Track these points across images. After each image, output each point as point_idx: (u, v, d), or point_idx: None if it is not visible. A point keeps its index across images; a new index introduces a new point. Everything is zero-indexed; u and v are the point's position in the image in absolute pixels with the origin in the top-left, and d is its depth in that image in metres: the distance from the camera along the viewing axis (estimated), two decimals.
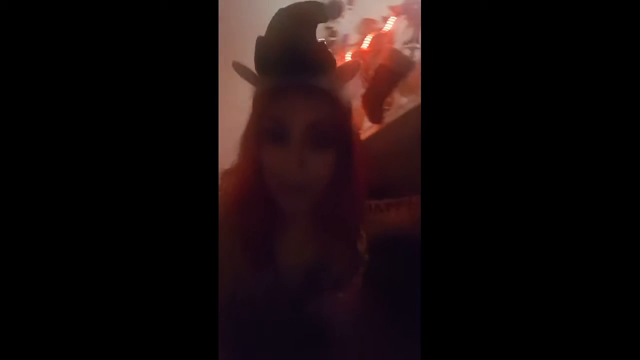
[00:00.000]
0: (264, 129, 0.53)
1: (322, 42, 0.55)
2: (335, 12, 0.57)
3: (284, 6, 0.55)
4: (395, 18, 0.99)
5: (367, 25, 1.07)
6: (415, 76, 1.04)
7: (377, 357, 0.68)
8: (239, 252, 0.57)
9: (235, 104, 0.57)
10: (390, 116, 0.99)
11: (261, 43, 0.54)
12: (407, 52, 1.00)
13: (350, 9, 1.07)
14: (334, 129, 0.53)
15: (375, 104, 1.01)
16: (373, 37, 1.03)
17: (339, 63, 0.55)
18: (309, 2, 0.54)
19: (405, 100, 1.01)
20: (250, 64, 0.56)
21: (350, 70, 0.57)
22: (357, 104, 1.03)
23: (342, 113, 0.55)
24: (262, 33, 0.55)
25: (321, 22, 0.55)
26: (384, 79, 0.99)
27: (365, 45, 1.04)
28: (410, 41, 1.01)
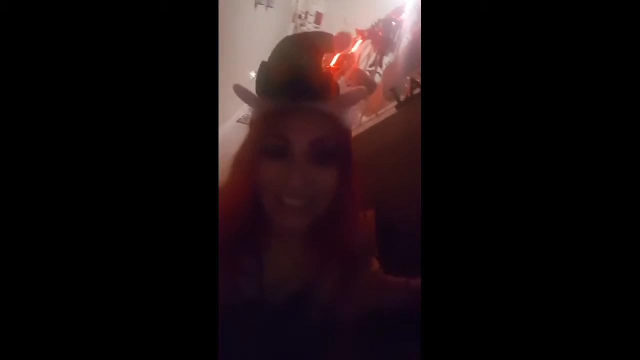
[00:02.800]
0: (265, 145, 0.52)
1: (328, 71, 0.58)
2: (343, 43, 0.73)
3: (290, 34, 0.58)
4: (361, 41, 1.07)
5: (339, 41, 1.07)
6: (375, 97, 1.19)
7: None
8: (228, 261, 0.55)
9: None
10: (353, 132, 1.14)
11: (265, 68, 0.55)
12: (369, 74, 1.12)
13: (317, 27, 1.04)
14: (335, 148, 0.53)
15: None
16: (339, 56, 1.08)
17: (341, 91, 0.57)
18: (317, 32, 0.59)
19: (366, 119, 1.18)
20: (251, 86, 0.58)
21: (353, 97, 0.58)
22: None
23: (342, 134, 0.56)
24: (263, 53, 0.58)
25: (328, 51, 0.60)
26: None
27: (332, 63, 1.08)
28: (373, 64, 1.13)
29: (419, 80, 1.12)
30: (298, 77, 0.53)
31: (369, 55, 1.10)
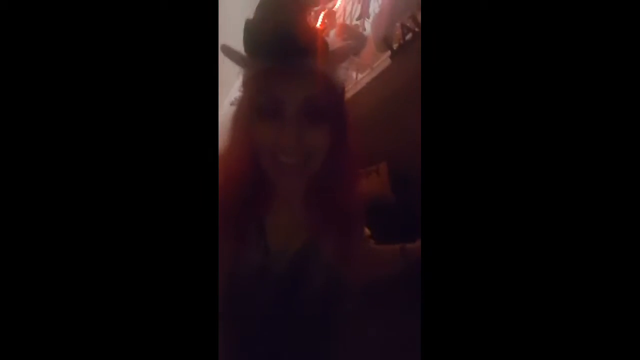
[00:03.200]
0: (258, 106, 0.53)
1: (315, 28, 0.57)
2: None
3: None
4: None
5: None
6: (367, 51, 1.15)
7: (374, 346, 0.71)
8: (231, 231, 0.57)
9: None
10: (348, 93, 1.11)
11: (250, 26, 0.53)
12: (357, 28, 1.08)
13: None
14: (329, 106, 0.53)
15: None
16: (324, 15, 1.04)
17: (330, 47, 0.56)
18: None
19: (361, 76, 1.14)
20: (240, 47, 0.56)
21: (343, 53, 0.58)
22: None
23: (335, 91, 0.56)
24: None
25: (312, 6, 0.60)
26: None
27: (318, 23, 1.04)
28: (359, 17, 1.08)
29: (409, 25, 1.07)
30: (284, 35, 0.51)
31: (353, 9, 1.06)
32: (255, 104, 0.53)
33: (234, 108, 0.58)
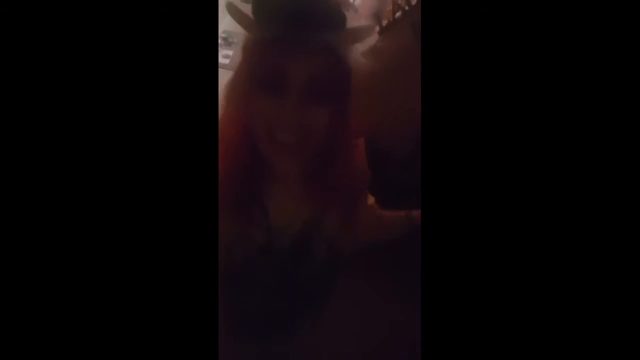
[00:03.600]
0: (259, 76, 0.48)
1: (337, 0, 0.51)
2: None
3: None
4: None
5: None
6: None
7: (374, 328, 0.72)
8: (230, 211, 0.55)
9: None
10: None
11: None
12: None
13: None
14: (334, 86, 0.50)
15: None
16: None
17: (352, 24, 0.51)
18: None
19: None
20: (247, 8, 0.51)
21: (361, 33, 0.53)
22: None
23: (344, 71, 0.51)
24: None
25: None
26: None
27: None
28: None
29: (399, 2, 1.09)
30: (303, 2, 0.47)
31: None
32: (256, 73, 0.49)
33: (230, 73, 0.54)
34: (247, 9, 0.51)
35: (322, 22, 0.48)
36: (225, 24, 1.56)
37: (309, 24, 0.47)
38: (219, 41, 1.73)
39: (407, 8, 1.06)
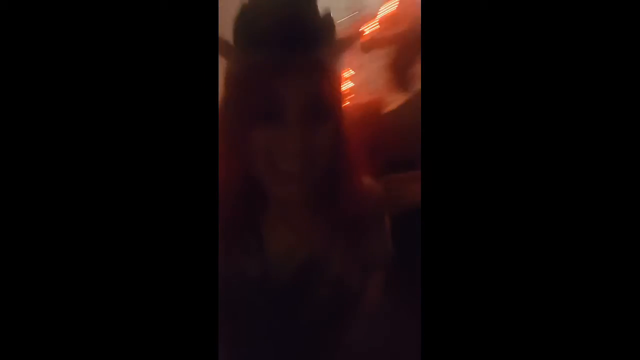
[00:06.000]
0: (251, 107, 0.45)
1: (327, 13, 0.47)
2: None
3: None
4: None
5: None
6: None
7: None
8: (228, 240, 0.51)
9: None
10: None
11: (247, 11, 0.46)
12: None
13: None
14: (332, 102, 0.47)
15: (402, 72, 1.03)
16: (399, 2, 0.96)
17: (341, 34, 0.49)
18: None
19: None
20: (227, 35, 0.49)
21: (349, 39, 0.50)
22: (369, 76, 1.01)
23: (336, 85, 0.49)
24: None
25: None
26: (410, 45, 0.98)
27: (389, 10, 0.97)
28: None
29: None
30: (290, 19, 0.44)
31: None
32: (248, 105, 0.46)
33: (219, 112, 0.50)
34: (227, 34, 0.48)
35: (311, 38, 0.45)
36: None
37: (297, 42, 0.45)
38: None
39: None
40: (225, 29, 0.49)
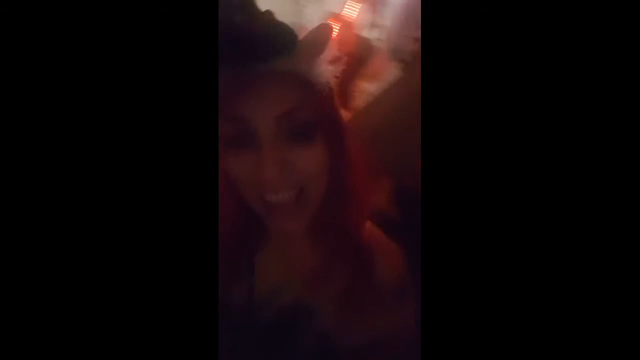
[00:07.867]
0: (223, 135, 0.40)
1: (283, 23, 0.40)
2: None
3: None
4: (359, 5, 0.99)
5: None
6: (376, 63, 1.11)
7: None
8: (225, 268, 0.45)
9: None
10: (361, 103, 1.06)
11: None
12: (371, 39, 1.04)
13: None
14: (312, 117, 0.40)
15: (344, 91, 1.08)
16: (340, 27, 0.99)
17: (302, 36, 0.41)
18: None
19: (374, 88, 1.12)
20: None
21: (319, 40, 0.41)
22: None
23: (320, 96, 0.41)
24: None
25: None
26: (351, 67, 1.03)
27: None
28: (373, 26, 1.05)
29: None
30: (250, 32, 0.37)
31: (366, 18, 1.02)
32: (219, 133, 0.39)
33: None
34: None
35: (271, 48, 0.39)
36: None
37: (255, 55, 0.38)
38: None
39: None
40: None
